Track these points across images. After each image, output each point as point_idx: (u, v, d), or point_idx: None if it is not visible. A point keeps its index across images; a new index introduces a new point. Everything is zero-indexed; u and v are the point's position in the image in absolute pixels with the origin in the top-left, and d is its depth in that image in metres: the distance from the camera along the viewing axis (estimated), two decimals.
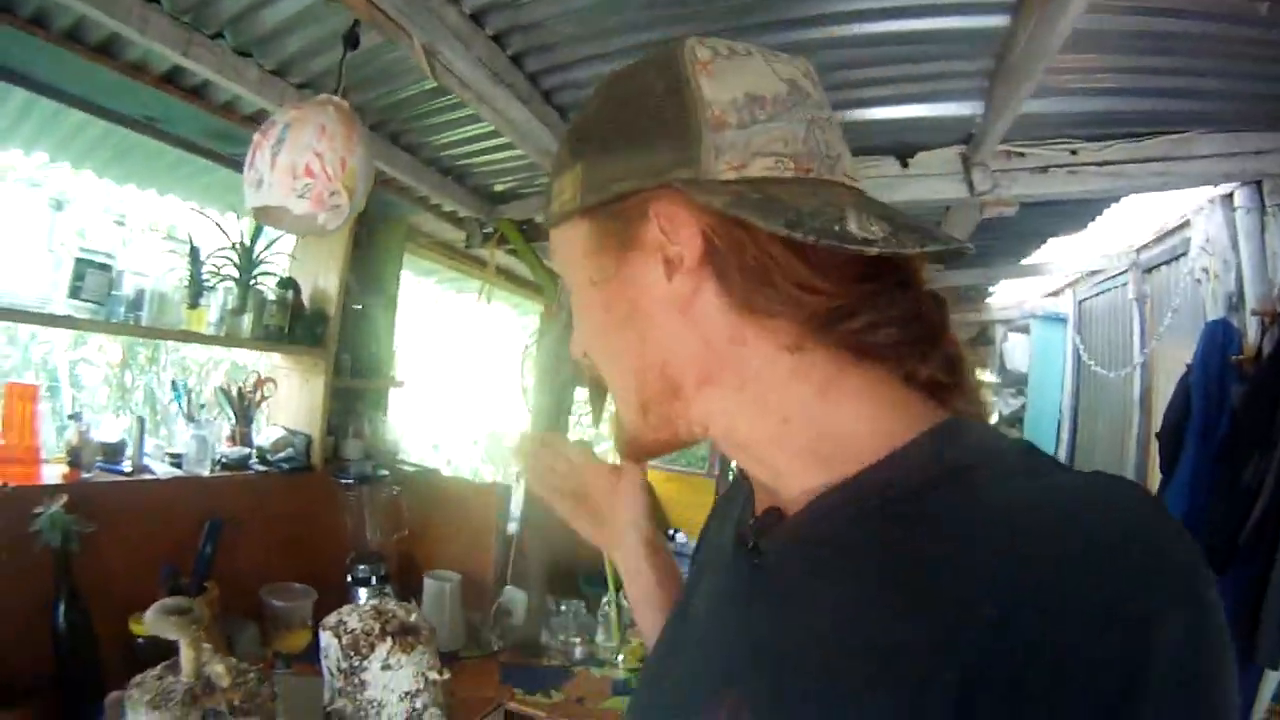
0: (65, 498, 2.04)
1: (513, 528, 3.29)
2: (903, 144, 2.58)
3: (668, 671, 0.76)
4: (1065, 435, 5.08)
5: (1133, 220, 3.78)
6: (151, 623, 1.75)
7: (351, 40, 1.84)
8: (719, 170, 0.61)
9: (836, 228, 0.56)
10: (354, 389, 3.21)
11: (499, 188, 3.35)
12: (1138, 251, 4.10)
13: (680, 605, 0.83)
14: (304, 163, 1.64)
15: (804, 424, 0.63)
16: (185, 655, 1.69)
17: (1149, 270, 4.06)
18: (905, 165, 2.60)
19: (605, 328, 0.71)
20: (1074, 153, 2.47)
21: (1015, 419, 5.74)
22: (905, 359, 0.63)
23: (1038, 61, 1.76)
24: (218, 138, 2.69)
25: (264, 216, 1.79)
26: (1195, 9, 1.74)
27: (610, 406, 0.77)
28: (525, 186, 3.32)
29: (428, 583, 2.84)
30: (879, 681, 0.50)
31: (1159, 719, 0.42)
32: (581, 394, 3.52)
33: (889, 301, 0.62)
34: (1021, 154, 2.50)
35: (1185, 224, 3.37)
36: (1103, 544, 0.45)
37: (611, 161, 0.65)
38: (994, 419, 6.37)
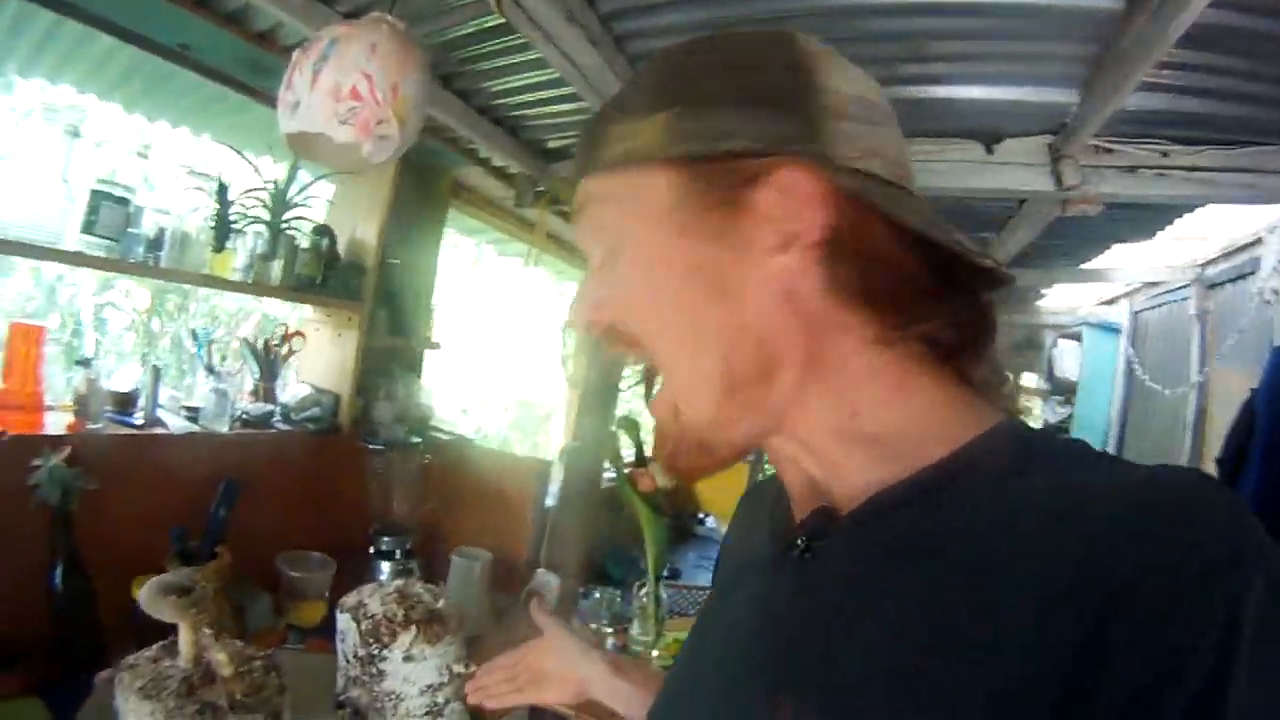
0: (68, 450, 1.94)
1: (550, 506, 3.14)
2: (989, 128, 2.44)
3: (699, 681, 0.74)
4: (1112, 445, 4.99)
5: (1199, 233, 3.69)
6: (147, 601, 1.62)
7: None
8: (846, 156, 0.60)
9: (955, 235, 0.60)
10: (388, 348, 3.07)
11: (554, 144, 3.19)
12: (1202, 266, 4.01)
13: (706, 618, 0.83)
14: (350, 83, 1.48)
15: (872, 418, 0.63)
16: (184, 639, 1.56)
17: (1212, 287, 3.97)
18: (990, 151, 2.47)
19: (681, 296, 0.64)
20: (1165, 154, 2.34)
21: (1061, 428, 5.62)
22: (966, 360, 0.64)
23: (1150, 52, 1.67)
24: (255, 70, 2.52)
25: (300, 146, 1.63)
26: None
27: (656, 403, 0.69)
28: None
29: (455, 560, 2.71)
30: (967, 682, 0.49)
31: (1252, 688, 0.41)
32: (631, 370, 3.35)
33: (957, 305, 0.63)
34: (1110, 150, 2.38)
35: (1256, 241, 3.31)
36: (1183, 524, 0.46)
37: (719, 117, 0.62)
38: (1039, 425, 6.44)
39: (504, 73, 2.54)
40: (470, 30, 2.23)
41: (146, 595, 1.63)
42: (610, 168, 0.67)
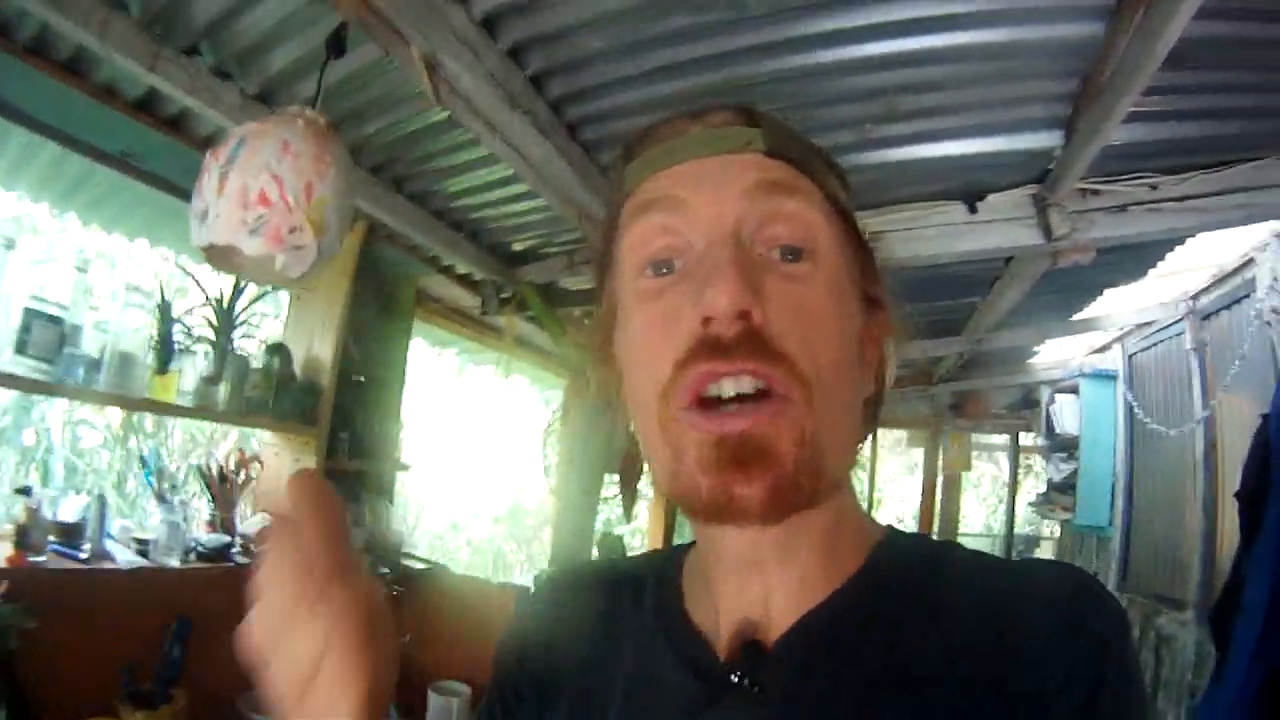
0: (5, 585, 1.90)
1: None
2: (971, 185, 2.43)
3: None
4: (1120, 501, 4.91)
5: (1186, 265, 3.63)
6: None
7: (337, 45, 1.59)
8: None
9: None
10: (353, 472, 2.98)
11: (517, 246, 3.17)
12: (1193, 298, 3.94)
13: None
14: (258, 187, 1.33)
15: (843, 526, 0.68)
16: None
17: (1207, 317, 3.89)
18: (974, 210, 2.46)
19: (854, 352, 0.67)
20: (1154, 188, 2.32)
21: (1067, 485, 5.60)
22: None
23: (1136, 78, 1.63)
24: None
25: (215, 258, 1.48)
26: None
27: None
28: (547, 245, 3.13)
29: (432, 697, 2.63)
30: None
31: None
32: (611, 478, 3.32)
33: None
34: (1098, 191, 2.35)
35: (1247, 263, 3.29)
36: (1066, 591, 0.61)
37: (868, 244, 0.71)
38: (1044, 486, 6.44)
39: (458, 172, 2.50)
40: (416, 127, 2.19)
41: None
42: (825, 194, 0.67)
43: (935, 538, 0.75)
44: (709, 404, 0.59)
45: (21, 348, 2.04)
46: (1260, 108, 2.01)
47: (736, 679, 0.64)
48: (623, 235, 0.70)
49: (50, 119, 2.26)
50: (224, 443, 6.36)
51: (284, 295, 2.77)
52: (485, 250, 3.09)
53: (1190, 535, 3.88)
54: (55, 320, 2.09)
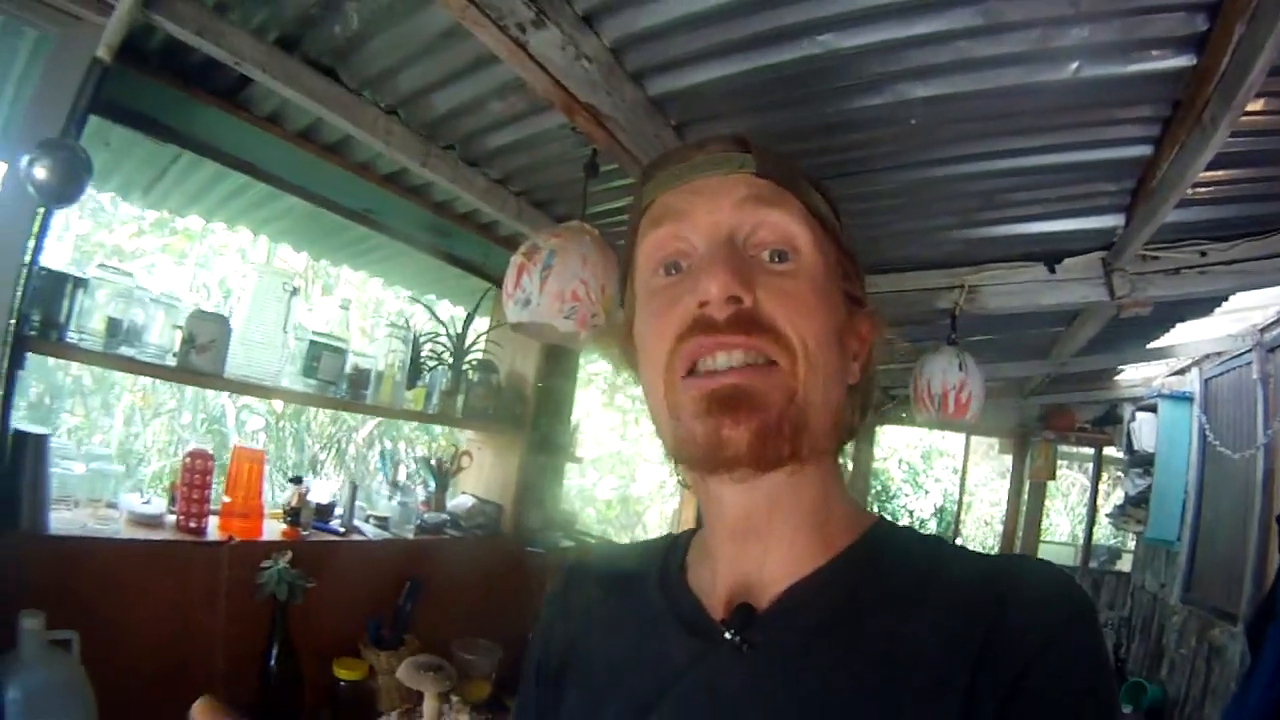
0: (289, 554, 2.29)
1: None
2: (1050, 251, 2.78)
3: None
4: (1190, 516, 4.97)
5: (1258, 301, 3.75)
6: (407, 675, 2.04)
7: (592, 168, 2.11)
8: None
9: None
10: (540, 462, 3.44)
11: None
12: (1261, 331, 4.06)
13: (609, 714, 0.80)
14: (571, 289, 1.87)
15: (831, 502, 0.78)
16: (429, 706, 1.97)
17: (1272, 350, 4.02)
18: (1053, 271, 2.79)
19: (837, 336, 0.77)
20: (1203, 254, 2.58)
21: (1141, 499, 5.66)
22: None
23: (1181, 183, 1.94)
24: (430, 230, 3.05)
25: (523, 329, 2.03)
26: None
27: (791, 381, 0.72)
28: None
29: None
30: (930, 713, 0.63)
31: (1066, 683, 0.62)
32: None
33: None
34: (1156, 257, 2.63)
35: None
36: (1030, 583, 0.68)
37: (852, 253, 0.84)
38: (1119, 498, 6.39)
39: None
40: (621, 205, 2.65)
41: (406, 670, 2.06)
42: (810, 209, 0.78)
43: (924, 532, 0.83)
44: (705, 375, 0.71)
45: (311, 373, 2.53)
46: None
47: (729, 635, 0.72)
48: (639, 243, 0.81)
49: (305, 184, 2.70)
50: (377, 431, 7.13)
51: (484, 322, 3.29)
52: None
53: (1247, 553, 4.03)
54: (339, 352, 2.58)
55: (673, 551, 0.88)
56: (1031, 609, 0.65)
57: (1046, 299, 2.82)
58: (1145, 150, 2.02)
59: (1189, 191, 2.08)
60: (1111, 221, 2.51)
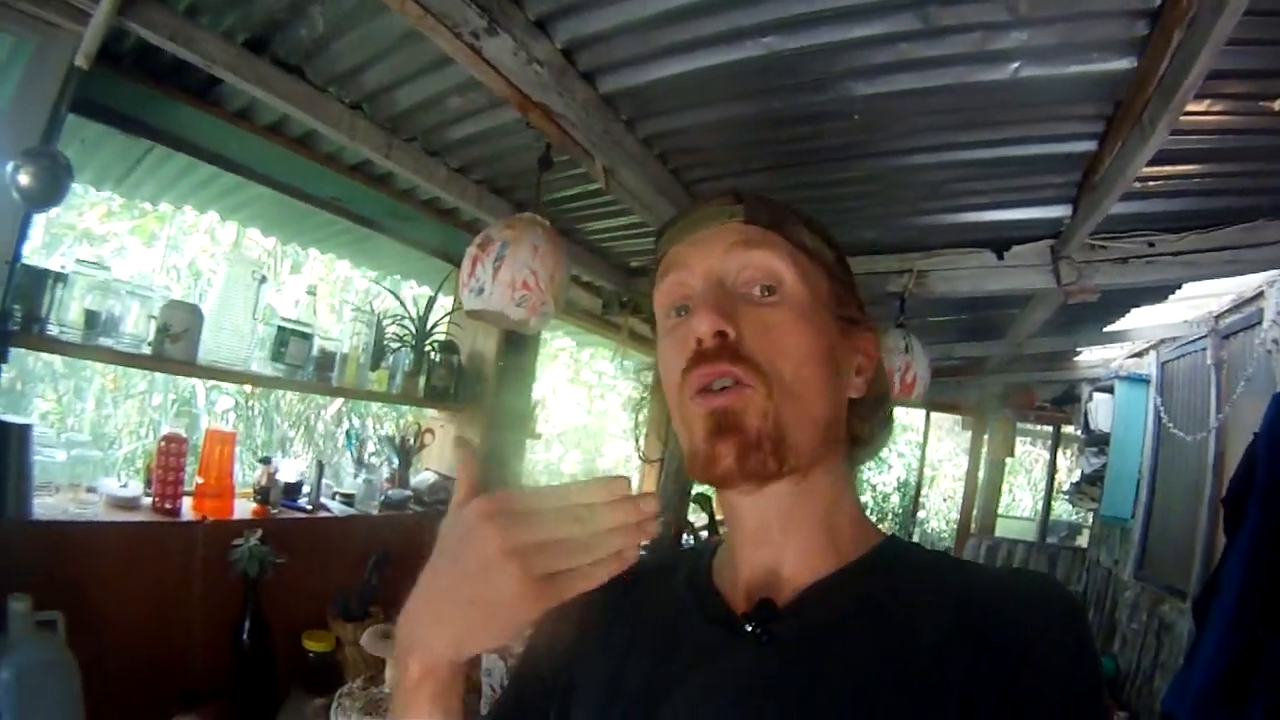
0: (260, 532, 2.37)
1: None
2: (999, 239, 2.84)
3: None
4: (1144, 495, 5.03)
5: (1213, 290, 3.77)
6: (369, 643, 2.09)
7: (545, 161, 2.17)
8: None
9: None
10: (500, 439, 3.50)
11: (635, 264, 3.66)
12: (1216, 318, 4.07)
13: (628, 712, 0.83)
14: (521, 278, 1.94)
15: (841, 511, 0.85)
16: (390, 672, 2.02)
17: (1227, 336, 4.03)
18: (1001, 257, 2.86)
19: (822, 358, 0.83)
20: (1151, 245, 2.65)
21: (1096, 477, 5.70)
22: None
23: (1122, 178, 1.99)
24: (394, 216, 3.10)
25: (478, 315, 2.10)
26: (1261, 127, 1.94)
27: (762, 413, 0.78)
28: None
29: None
30: (933, 712, 0.68)
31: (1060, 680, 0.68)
32: None
33: (878, 446, 0.93)
34: (1104, 246, 2.70)
35: (1260, 294, 3.44)
36: (1026, 588, 0.76)
37: (848, 279, 0.92)
38: (1075, 476, 6.41)
39: (600, 217, 3.02)
40: (578, 191, 2.74)
41: (368, 638, 2.11)
42: (800, 246, 0.86)
43: (929, 548, 0.89)
44: (705, 392, 0.79)
45: (279, 356, 2.58)
46: (1244, 188, 2.31)
47: (750, 627, 0.79)
48: (656, 292, 0.90)
49: (277, 175, 2.76)
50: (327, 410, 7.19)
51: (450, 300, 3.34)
52: (610, 266, 3.61)
53: (1197, 533, 4.07)
54: (306, 336, 2.63)
55: (701, 555, 0.95)
56: (1026, 610, 0.72)
57: (994, 284, 2.90)
58: (1090, 146, 2.08)
59: (1136, 185, 2.15)
60: (1059, 212, 2.57)
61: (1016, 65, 1.70)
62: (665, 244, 0.92)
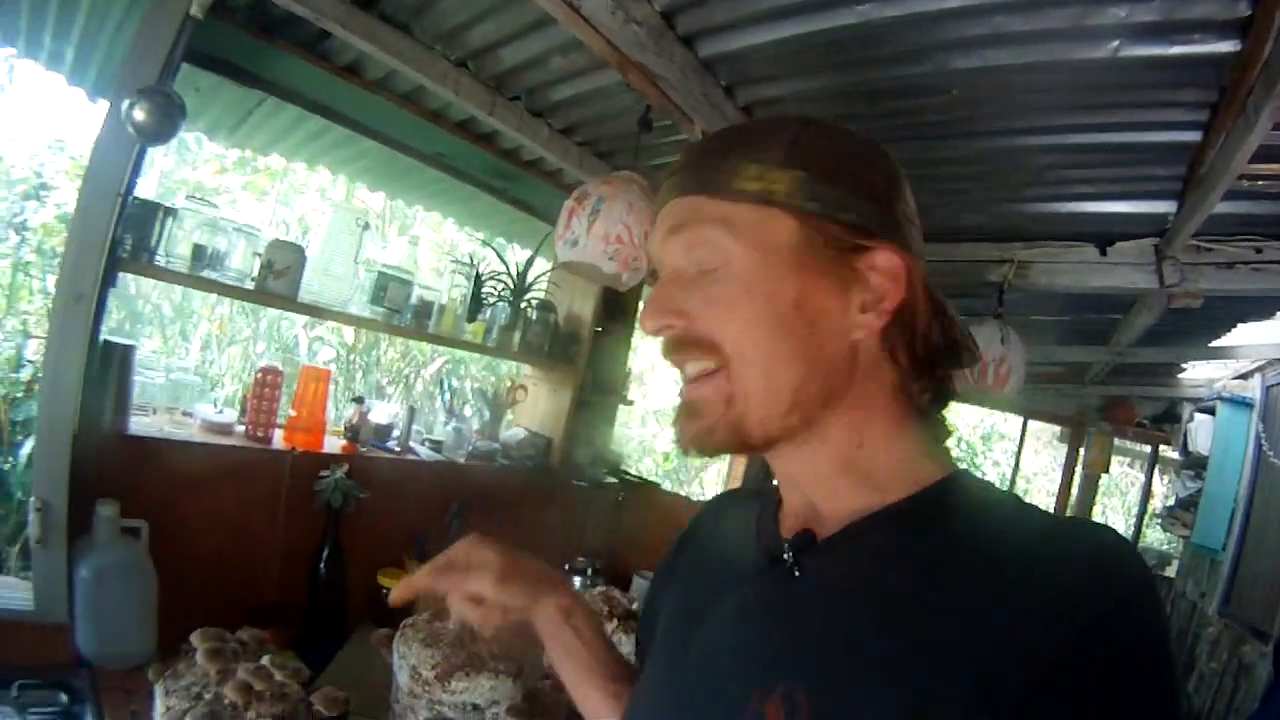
0: (346, 466, 2.51)
1: None
2: (1102, 233, 2.78)
3: (680, 687, 0.84)
4: (1237, 526, 4.87)
5: None
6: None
7: (645, 123, 2.23)
8: (914, 251, 0.80)
9: (958, 320, 0.84)
10: (592, 402, 3.58)
11: None
12: None
13: (677, 633, 0.90)
14: (615, 233, 2.02)
15: (870, 453, 0.79)
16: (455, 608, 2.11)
17: None
18: (1104, 253, 2.80)
19: (782, 319, 0.76)
20: (1259, 250, 2.56)
21: (1190, 502, 5.53)
22: (932, 420, 0.83)
23: (1227, 172, 1.93)
24: (498, 176, 3.22)
25: (571, 268, 2.21)
26: None
27: (714, 389, 0.78)
28: None
29: (636, 580, 3.21)
30: (940, 674, 0.62)
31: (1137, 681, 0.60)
32: None
33: (944, 374, 0.83)
34: (1210, 249, 2.61)
35: None
36: (1087, 547, 0.65)
37: (839, 192, 0.77)
38: (1170, 501, 6.21)
39: None
40: (674, 158, 2.77)
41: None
42: (736, 197, 0.78)
43: (1001, 488, 0.81)
44: (687, 379, 0.80)
45: (378, 299, 2.68)
46: None
47: (786, 556, 0.80)
48: None
49: (383, 128, 2.87)
50: (430, 364, 7.31)
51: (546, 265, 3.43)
52: None
53: None
54: (406, 283, 2.73)
55: (775, 492, 0.94)
56: (1081, 587, 0.61)
57: (1095, 281, 2.84)
58: (1194, 136, 2.02)
59: (1241, 183, 2.07)
60: (1164, 207, 2.50)
61: (1116, 44, 1.68)
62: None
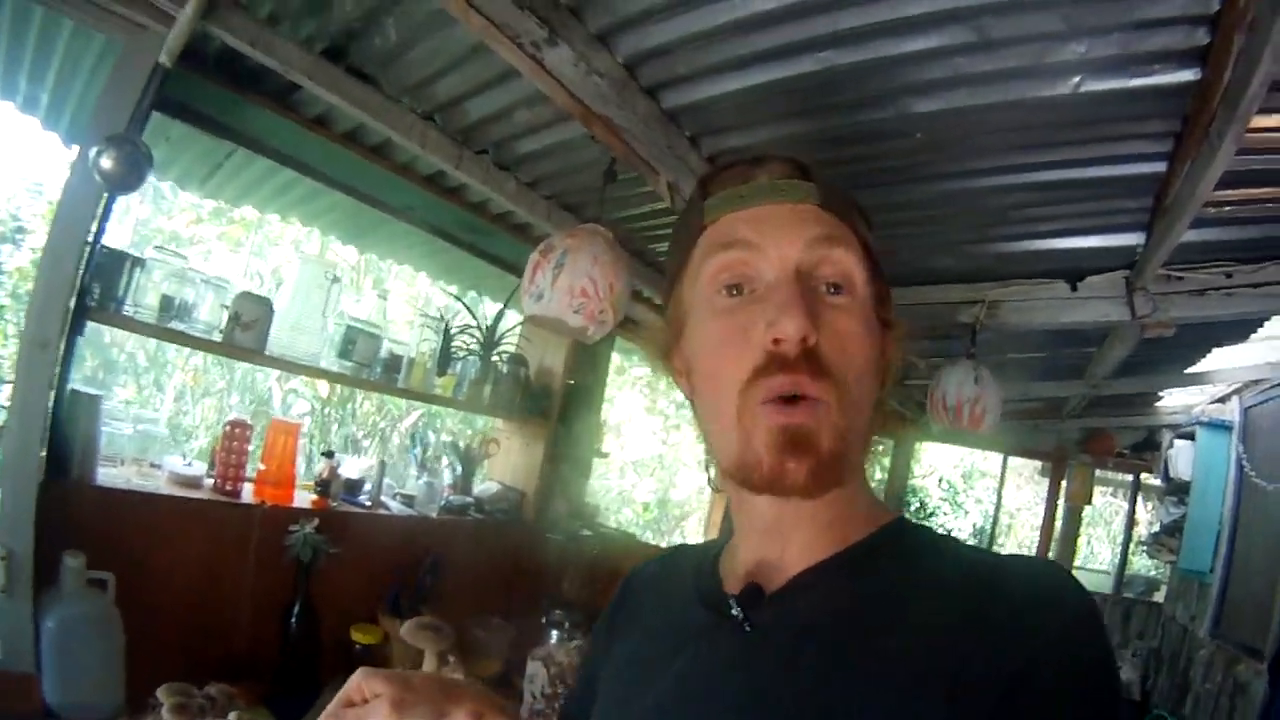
0: (316, 521, 2.48)
1: None
2: (1072, 269, 2.77)
3: None
4: (1224, 548, 4.91)
5: None
6: (409, 633, 2.15)
7: (610, 174, 2.23)
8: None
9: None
10: (565, 455, 3.56)
11: None
12: None
13: (623, 692, 0.87)
14: (580, 285, 1.98)
15: (848, 500, 0.79)
16: (428, 663, 2.08)
17: None
18: (1075, 289, 2.79)
19: (876, 368, 0.79)
20: (1229, 275, 2.56)
21: (1175, 528, 5.56)
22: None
23: (1193, 200, 1.93)
24: (468, 229, 3.20)
25: (537, 321, 2.15)
26: None
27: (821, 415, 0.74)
28: None
29: None
30: (908, 701, 0.63)
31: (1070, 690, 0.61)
32: None
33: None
34: (1181, 278, 2.60)
35: None
36: (1032, 579, 0.68)
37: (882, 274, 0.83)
38: (1155, 528, 6.22)
39: (666, 238, 3.03)
40: (646, 210, 2.80)
41: (408, 628, 2.18)
42: (860, 239, 0.81)
43: (941, 530, 0.86)
44: (779, 401, 0.72)
45: (346, 354, 2.67)
46: None
47: (735, 612, 0.77)
48: (703, 260, 0.81)
49: (352, 182, 2.88)
50: (406, 419, 7.33)
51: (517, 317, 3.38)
52: None
53: (1278, 588, 3.92)
54: (374, 336, 2.73)
55: (714, 547, 0.94)
56: (1032, 610, 0.64)
57: (1068, 316, 2.84)
58: (1160, 166, 2.03)
59: (1209, 210, 2.09)
60: (1133, 239, 2.51)
61: (1078, 79, 1.68)
62: (717, 208, 0.83)
